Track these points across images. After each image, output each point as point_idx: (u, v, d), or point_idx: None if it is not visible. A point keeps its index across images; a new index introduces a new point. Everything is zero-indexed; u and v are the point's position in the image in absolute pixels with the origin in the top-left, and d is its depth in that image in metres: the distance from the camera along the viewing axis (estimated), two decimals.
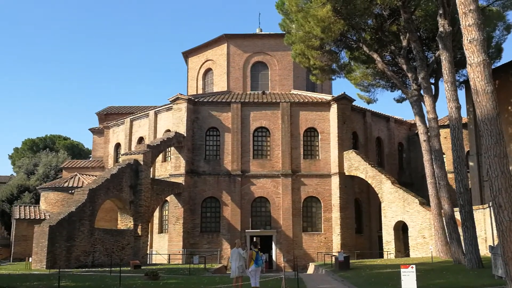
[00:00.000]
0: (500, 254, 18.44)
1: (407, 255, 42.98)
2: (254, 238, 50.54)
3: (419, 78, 36.96)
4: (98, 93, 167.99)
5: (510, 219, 16.93)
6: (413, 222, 42.23)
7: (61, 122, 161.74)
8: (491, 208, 19.90)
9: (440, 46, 31.74)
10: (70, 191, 48.34)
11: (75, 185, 49.98)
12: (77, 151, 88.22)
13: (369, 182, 46.39)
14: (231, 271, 21.84)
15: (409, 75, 39.23)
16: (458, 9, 19.43)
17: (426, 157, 38.11)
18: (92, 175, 52.75)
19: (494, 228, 21.09)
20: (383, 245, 45.03)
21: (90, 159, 67.16)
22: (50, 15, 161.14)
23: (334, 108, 49.08)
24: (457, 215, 32.04)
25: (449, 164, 45.79)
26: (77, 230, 35.09)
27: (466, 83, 41.63)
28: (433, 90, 38.99)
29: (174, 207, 46.94)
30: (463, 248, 29.92)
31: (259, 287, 21.16)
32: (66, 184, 51.04)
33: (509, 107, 39.54)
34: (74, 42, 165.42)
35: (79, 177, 52.35)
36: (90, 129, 62.92)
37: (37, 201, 58.43)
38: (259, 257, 20.92)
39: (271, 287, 22.96)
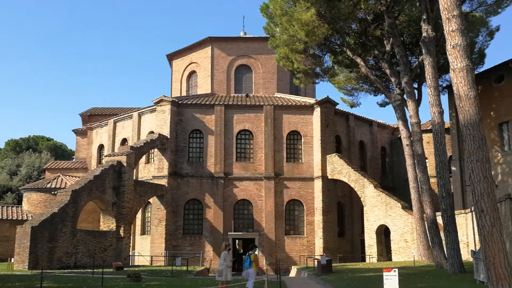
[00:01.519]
0: (482, 259, 18.57)
1: (389, 259, 43.12)
2: (237, 240, 50.72)
3: (402, 83, 37.12)
4: (82, 94, 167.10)
5: (492, 224, 17.05)
6: (395, 226, 42.40)
7: (44, 123, 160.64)
8: (473, 212, 20.06)
9: (423, 51, 31.91)
10: (53, 192, 48.01)
11: (58, 186, 49.64)
12: (60, 152, 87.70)
13: (352, 185, 46.52)
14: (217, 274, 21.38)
15: (393, 79, 39.42)
16: (442, 15, 19.56)
17: (408, 161, 38.27)
18: (75, 176, 52.45)
19: (476, 233, 21.24)
20: (366, 248, 45.15)
21: (73, 160, 66.74)
22: (33, 12, 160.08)
23: (317, 111, 49.23)
24: (439, 220, 32.17)
25: (431, 169, 45.96)
26: (59, 231, 34.88)
27: (449, 88, 41.91)
28: (416, 95, 39.23)
29: (157, 209, 46.82)
30: (445, 253, 30.05)
31: None
32: (49, 185, 50.68)
33: (492, 113, 39.90)
34: (58, 42, 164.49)
35: (62, 178, 52.00)
36: (73, 130, 62.50)
37: (19, 202, 58.03)
38: (247, 258, 20.94)
39: None
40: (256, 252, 21.39)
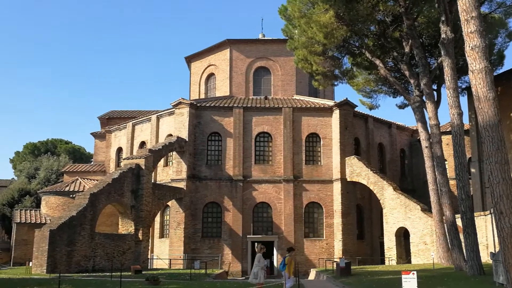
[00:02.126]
0: (501, 261, 18.40)
1: (409, 261, 42.88)
2: (256, 243, 50.59)
3: (421, 84, 36.92)
4: (100, 97, 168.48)
5: (511, 225, 16.90)
6: (414, 229, 42.16)
7: (62, 126, 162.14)
8: (493, 214, 19.87)
9: (442, 52, 31.71)
10: (71, 195, 48.24)
11: (76, 189, 49.87)
12: (79, 155, 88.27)
13: (371, 188, 46.35)
14: (250, 276, 22.35)
15: (411, 81, 39.24)
16: (460, 16, 19.46)
17: (428, 163, 38.05)
18: (94, 180, 52.68)
19: (496, 235, 21.04)
20: (385, 251, 44.94)
21: (92, 163, 67.18)
22: (52, 17, 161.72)
23: (336, 113, 49.12)
24: (459, 222, 31.96)
25: (451, 171, 45.68)
26: (77, 234, 35.03)
27: (468, 89, 41.61)
28: (435, 97, 39.01)
29: (175, 212, 46.95)
30: (465, 255, 29.82)
31: None
32: (67, 188, 50.96)
33: (511, 114, 39.51)
34: (77, 46, 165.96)
35: (80, 181, 52.29)
36: (91, 133, 62.91)
37: (38, 205, 58.40)
38: (282, 261, 20.87)
39: None
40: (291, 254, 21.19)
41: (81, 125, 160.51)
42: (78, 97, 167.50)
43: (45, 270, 32.54)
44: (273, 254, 47.51)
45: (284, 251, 46.32)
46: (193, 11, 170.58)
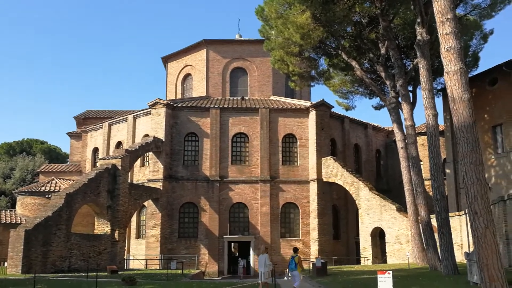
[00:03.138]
0: (475, 260, 18.61)
1: (384, 261, 43.20)
2: (232, 244, 50.69)
3: (397, 86, 37.23)
4: (76, 97, 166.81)
5: (486, 225, 17.10)
6: (390, 229, 42.50)
7: (38, 126, 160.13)
8: (467, 215, 20.12)
9: (418, 54, 31.97)
10: (46, 196, 47.85)
11: (52, 189, 49.46)
12: (54, 155, 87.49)
13: (347, 188, 46.64)
14: (259, 276, 23.17)
15: (387, 82, 39.54)
16: (436, 18, 19.62)
17: (403, 164, 38.39)
18: (69, 180, 52.29)
19: (470, 235, 21.31)
20: (361, 251, 45.25)
21: (68, 163, 66.60)
22: (28, 14, 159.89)
23: (312, 114, 49.32)
24: (434, 222, 32.25)
25: (426, 171, 46.14)
26: (53, 234, 34.77)
27: (444, 91, 42.05)
28: (411, 98, 39.38)
29: (152, 212, 46.77)
30: (439, 255, 30.12)
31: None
32: (42, 189, 50.49)
33: (485, 115, 40.02)
34: (52, 44, 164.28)
35: (56, 182, 51.84)
36: (67, 133, 62.29)
37: (13, 205, 57.85)
38: (292, 261, 22.94)
39: None
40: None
41: (57, 125, 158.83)
42: (54, 97, 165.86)
43: (20, 271, 32.25)
44: (249, 254, 47.58)
45: (260, 251, 46.47)
46: (170, 11, 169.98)
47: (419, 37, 31.82)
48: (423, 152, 47.08)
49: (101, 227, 40.49)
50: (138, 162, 49.25)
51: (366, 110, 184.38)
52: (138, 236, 49.64)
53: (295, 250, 24.21)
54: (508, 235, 27.34)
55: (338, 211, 51.34)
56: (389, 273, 16.30)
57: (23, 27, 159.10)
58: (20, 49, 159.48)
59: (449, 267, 27.95)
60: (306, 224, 48.21)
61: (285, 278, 25.31)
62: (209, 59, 58.44)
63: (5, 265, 34.28)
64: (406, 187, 37.92)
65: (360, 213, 45.34)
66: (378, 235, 44.59)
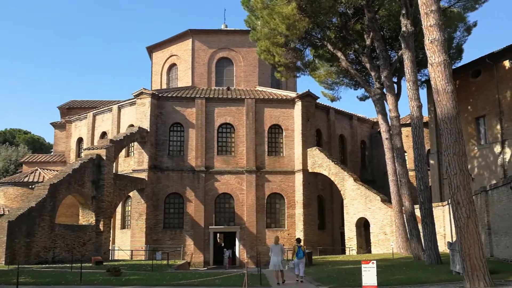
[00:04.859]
0: (458, 250, 18.86)
1: (369, 251, 43.51)
2: (218, 234, 50.77)
3: (382, 77, 37.41)
4: (60, 86, 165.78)
5: (468, 216, 17.32)
6: (374, 219, 42.77)
7: (21, 116, 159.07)
8: (450, 205, 20.31)
9: (402, 45, 32.15)
10: (30, 186, 47.53)
11: (35, 180, 49.12)
12: (38, 146, 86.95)
13: (332, 179, 46.82)
14: (271, 264, 23.80)
15: (372, 73, 39.71)
16: (420, 10, 19.77)
17: (388, 155, 38.60)
18: (53, 170, 52.01)
19: (453, 225, 21.54)
20: (345, 241, 45.51)
21: (52, 153, 66.15)
22: (9, 4, 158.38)
23: (298, 105, 49.39)
24: (418, 212, 32.55)
25: (410, 162, 46.50)
26: (37, 225, 34.57)
27: (428, 82, 42.31)
28: (396, 89, 39.55)
29: (137, 203, 46.70)
30: (423, 244, 30.45)
31: (303, 275, 24.15)
32: (26, 179, 50.15)
33: (469, 107, 40.35)
34: (36, 33, 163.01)
35: (39, 172, 51.51)
36: (51, 123, 61.98)
37: None
38: (300, 250, 23.71)
39: (234, 283, 23.00)
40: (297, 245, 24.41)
41: (41, 115, 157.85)
42: (37, 86, 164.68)
43: (3, 262, 32.00)
44: (235, 245, 47.68)
45: (246, 241, 46.85)
46: (155, 1, 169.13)
47: (403, 29, 31.98)
48: (408, 143, 47.30)
49: (86, 218, 40.34)
50: (123, 152, 49.05)
51: (351, 101, 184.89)
52: (123, 226, 49.55)
53: (299, 240, 25.22)
54: (490, 225, 27.68)
55: (323, 202, 51.57)
56: (373, 262, 16.48)
57: (4, 16, 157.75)
58: (2, 38, 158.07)
59: (432, 257, 28.28)
60: (291, 214, 48.37)
61: (291, 266, 27.07)
62: (194, 49, 58.23)
63: None
64: (391, 177, 38.17)
65: (345, 203, 45.56)
66: (363, 225, 44.84)
